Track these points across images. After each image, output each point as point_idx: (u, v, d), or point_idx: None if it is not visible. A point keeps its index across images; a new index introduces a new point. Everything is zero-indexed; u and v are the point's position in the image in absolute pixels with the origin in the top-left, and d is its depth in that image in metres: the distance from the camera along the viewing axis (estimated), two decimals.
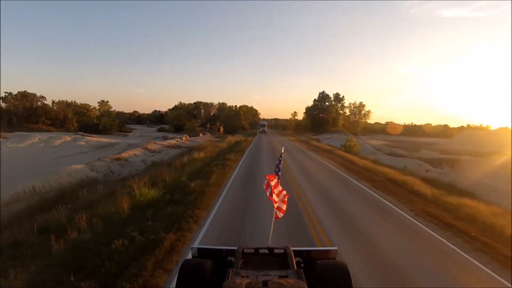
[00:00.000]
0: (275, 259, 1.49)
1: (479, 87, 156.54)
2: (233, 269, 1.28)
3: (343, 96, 65.81)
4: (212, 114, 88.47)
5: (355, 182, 11.95)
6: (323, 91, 64.38)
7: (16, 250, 5.42)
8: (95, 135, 40.97)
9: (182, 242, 5.41)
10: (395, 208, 8.43)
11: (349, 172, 14.13)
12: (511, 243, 5.97)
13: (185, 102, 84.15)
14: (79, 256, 4.76)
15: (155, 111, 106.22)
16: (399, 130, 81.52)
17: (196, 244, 2.51)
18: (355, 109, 74.94)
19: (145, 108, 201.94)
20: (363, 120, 76.04)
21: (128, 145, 31.84)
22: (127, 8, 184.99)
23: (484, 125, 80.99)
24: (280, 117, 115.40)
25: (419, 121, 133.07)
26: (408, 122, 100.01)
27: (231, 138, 33.98)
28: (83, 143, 34.16)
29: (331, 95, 65.15)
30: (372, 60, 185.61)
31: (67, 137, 37.91)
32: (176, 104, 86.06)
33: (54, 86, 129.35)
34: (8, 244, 5.70)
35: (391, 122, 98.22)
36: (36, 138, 37.06)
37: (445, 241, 6.15)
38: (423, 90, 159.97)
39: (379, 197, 9.54)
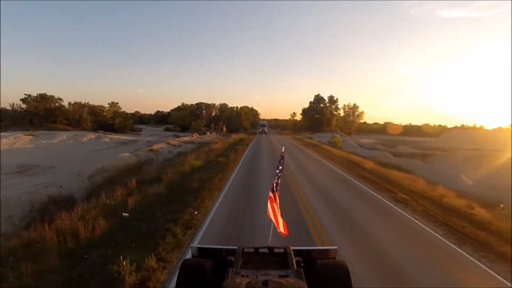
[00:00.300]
0: (275, 259, 1.50)
1: (479, 87, 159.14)
2: (233, 269, 1.28)
3: (337, 99, 71.46)
4: (213, 114, 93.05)
5: (324, 161, 17.54)
6: (318, 94, 70.03)
7: (140, 186, 10.90)
8: (113, 134, 46.53)
9: (224, 179, 10.99)
10: (341, 172, 13.98)
11: (323, 157, 19.72)
12: (403, 188, 11.51)
13: (186, 102, 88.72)
14: (172, 189, 10.12)
15: (158, 111, 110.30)
16: (398, 130, 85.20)
17: (196, 244, 2.68)
18: (349, 110, 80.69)
19: (145, 108, 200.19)
20: (356, 120, 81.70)
21: (147, 142, 37.18)
22: (126, 8, 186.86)
23: (479, 125, 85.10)
24: (279, 118, 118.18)
25: (419, 121, 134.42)
26: (408, 122, 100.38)
27: (235, 136, 39.61)
28: (107, 140, 39.60)
29: (326, 98, 70.76)
30: (372, 60, 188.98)
31: (91, 135, 43.35)
32: (179, 105, 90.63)
33: (54, 86, 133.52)
34: (133, 186, 11.16)
35: (390, 122, 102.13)
36: (63, 136, 42.48)
37: (363, 186, 11.64)
38: (423, 90, 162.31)
39: (335, 168, 15.10)
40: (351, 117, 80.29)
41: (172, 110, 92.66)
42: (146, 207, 7.29)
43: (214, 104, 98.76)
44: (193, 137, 38.37)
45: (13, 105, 60.38)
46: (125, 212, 6.76)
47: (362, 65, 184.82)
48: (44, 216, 8.41)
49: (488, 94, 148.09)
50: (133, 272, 4.04)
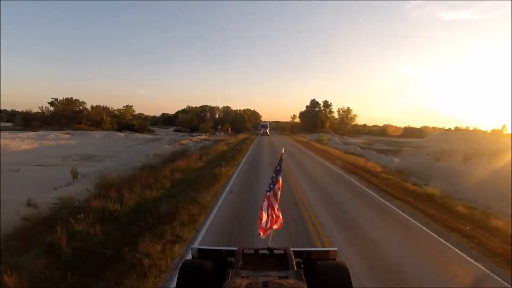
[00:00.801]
0: (275, 260, 1.53)
1: (479, 89, 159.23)
2: (233, 270, 1.30)
3: (330, 103, 79.91)
4: (216, 116, 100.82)
5: (305, 150, 25.93)
6: (314, 99, 78.58)
7: (201, 158, 19.26)
8: (138, 133, 55.05)
9: (243, 154, 19.44)
10: (312, 154, 22.34)
11: (306, 148, 28.12)
12: (346, 161, 19.80)
13: (187, 104, 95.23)
14: (218, 157, 18.43)
15: (163, 113, 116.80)
16: (398, 132, 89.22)
17: (196, 245, 2.59)
18: (343, 113, 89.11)
19: (147, 109, 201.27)
20: (350, 122, 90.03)
21: (170, 139, 45.56)
22: (125, 9, 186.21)
23: (474, 127, 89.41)
24: (281, 120, 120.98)
25: (422, 123, 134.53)
26: (408, 124, 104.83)
27: (241, 136, 47.96)
28: (135, 138, 48.09)
29: (321, 102, 79.20)
30: (373, 62, 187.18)
31: (121, 134, 51.83)
32: (185, 108, 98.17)
33: (54, 86, 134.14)
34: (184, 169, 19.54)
35: (389, 124, 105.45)
36: (97, 134, 50.96)
37: (322, 160, 19.93)
38: (424, 92, 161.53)
39: (309, 153, 23.53)
40: (345, 119, 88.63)
41: (178, 113, 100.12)
42: (212, 160, 15.77)
43: (218, 107, 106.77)
44: (207, 136, 46.83)
45: (42, 107, 69.14)
46: (202, 162, 15.14)
47: (364, 67, 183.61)
48: (154, 168, 16.71)
49: (488, 96, 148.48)
50: (223, 170, 12.42)
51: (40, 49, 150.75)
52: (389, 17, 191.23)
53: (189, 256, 1.68)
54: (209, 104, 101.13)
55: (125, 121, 67.29)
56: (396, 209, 8.85)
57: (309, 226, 6.81)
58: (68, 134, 49.92)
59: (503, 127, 58.55)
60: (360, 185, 12.32)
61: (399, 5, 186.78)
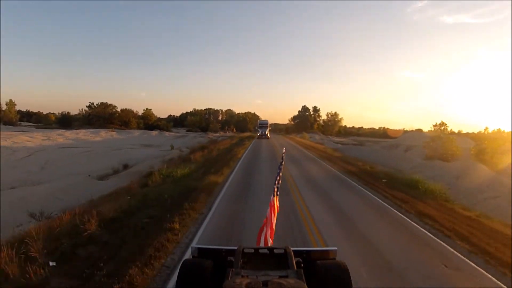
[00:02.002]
0: (275, 259, 1.53)
1: (479, 92, 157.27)
2: (233, 269, 1.31)
3: (319, 108, 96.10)
4: (220, 119, 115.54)
5: (288, 140, 42.11)
6: (304, 105, 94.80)
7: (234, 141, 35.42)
8: (167, 132, 71.04)
9: (251, 141, 35.62)
10: (291, 142, 38.41)
11: (290, 140, 44.36)
12: (309, 146, 35.97)
13: (186, 106, 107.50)
14: (239, 141, 34.29)
15: (170, 115, 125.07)
16: (397, 134, 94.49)
17: (195, 244, 2.58)
18: (331, 116, 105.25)
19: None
20: (337, 125, 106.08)
21: (194, 136, 61.54)
22: (125, 10, 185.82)
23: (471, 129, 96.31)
24: (280, 122, 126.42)
25: (420, 125, 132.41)
26: (408, 127, 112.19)
27: (245, 134, 64.04)
28: (167, 135, 63.95)
29: (311, 108, 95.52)
30: (374, 65, 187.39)
31: (154, 132, 67.64)
32: (191, 110, 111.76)
33: (54, 86, 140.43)
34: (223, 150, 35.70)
35: (384, 127, 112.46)
36: (136, 133, 66.67)
37: (296, 145, 36.03)
38: (425, 95, 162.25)
39: (291, 142, 39.55)
40: (332, 122, 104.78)
41: (187, 115, 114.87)
42: (236, 143, 31.95)
43: (222, 110, 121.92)
44: (221, 133, 63.03)
45: (82, 110, 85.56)
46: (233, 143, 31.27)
47: (364, 70, 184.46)
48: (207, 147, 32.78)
49: (489, 98, 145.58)
50: (247, 143, 28.61)
51: (40, 50, 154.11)
52: (390, 21, 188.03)
53: (188, 256, 1.73)
54: (209, 106, 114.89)
55: (151, 122, 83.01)
56: (322, 162, 24.80)
57: (277, 154, 22.74)
58: (114, 131, 65.36)
59: (485, 129, 66.25)
60: (308, 153, 28.21)
61: (400, 9, 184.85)
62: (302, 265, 1.51)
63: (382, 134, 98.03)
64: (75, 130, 62.41)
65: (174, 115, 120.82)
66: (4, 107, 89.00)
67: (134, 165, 19.83)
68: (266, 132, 45.03)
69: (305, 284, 1.14)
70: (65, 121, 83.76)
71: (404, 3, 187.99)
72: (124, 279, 4.43)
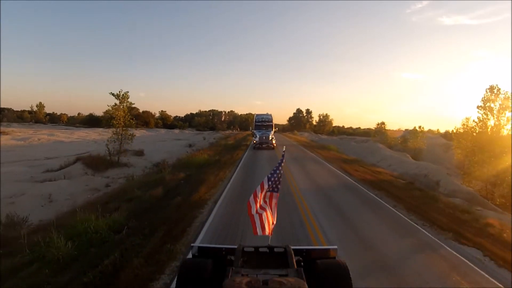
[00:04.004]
0: (275, 258, 1.54)
1: (478, 93, 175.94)
2: (233, 268, 1.33)
3: (311, 111, 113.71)
4: (222, 119, 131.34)
5: (280, 135, 59.51)
6: (299, 108, 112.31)
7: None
8: (186, 130, 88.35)
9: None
10: (283, 137, 55.86)
11: (282, 135, 61.80)
12: (296, 139, 53.45)
13: (186, 107, 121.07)
14: (244, 137, 51.58)
15: (176, 116, 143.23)
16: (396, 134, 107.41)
17: (196, 243, 2.53)
18: (323, 118, 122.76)
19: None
20: (328, 125, 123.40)
21: (208, 133, 78.75)
22: (124, 10, 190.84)
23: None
24: (279, 122, 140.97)
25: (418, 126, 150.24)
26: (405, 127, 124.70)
27: (248, 132, 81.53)
28: (187, 133, 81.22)
29: (304, 110, 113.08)
30: (373, 66, 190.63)
31: (176, 131, 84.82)
32: (197, 112, 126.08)
33: (54, 87, 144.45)
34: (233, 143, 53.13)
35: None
36: (162, 131, 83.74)
37: (286, 138, 53.47)
38: (423, 96, 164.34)
39: (283, 136, 57.00)
40: (323, 122, 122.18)
41: (192, 116, 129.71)
42: (246, 136, 49.47)
43: (225, 111, 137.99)
44: (230, 131, 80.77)
45: (108, 111, 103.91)
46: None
47: (363, 71, 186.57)
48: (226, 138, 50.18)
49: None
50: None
51: (40, 50, 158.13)
52: (389, 22, 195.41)
53: (189, 255, 1.73)
54: (208, 106, 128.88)
55: (170, 122, 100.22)
56: (294, 142, 42.19)
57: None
58: (144, 130, 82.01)
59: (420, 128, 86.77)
60: (290, 140, 45.54)
61: (399, 10, 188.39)
62: (302, 263, 1.53)
63: (375, 133, 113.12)
64: (107, 129, 78.82)
65: (179, 116, 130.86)
66: (35, 108, 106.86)
67: (196, 144, 37.02)
68: (270, 137, 27.71)
69: (305, 283, 1.14)
70: (92, 121, 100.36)
71: (403, 4, 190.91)
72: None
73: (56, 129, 68.82)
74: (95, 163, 17.61)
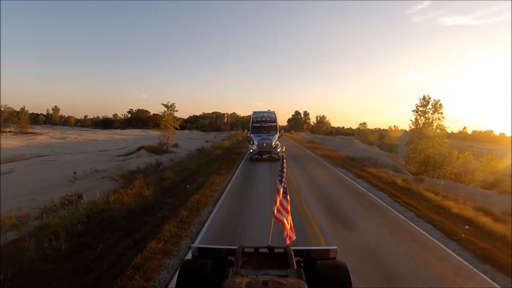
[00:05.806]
0: (275, 259, 1.55)
1: (479, 93, 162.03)
2: (233, 268, 1.33)
3: (308, 113, 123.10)
4: (225, 121, 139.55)
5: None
6: (297, 110, 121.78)
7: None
8: (196, 130, 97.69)
9: None
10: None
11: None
12: (293, 138, 62.77)
13: (187, 108, 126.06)
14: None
15: (180, 118, 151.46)
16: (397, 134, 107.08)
17: (196, 244, 2.59)
18: (320, 119, 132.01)
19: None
20: (324, 126, 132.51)
21: (215, 133, 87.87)
22: (125, 11, 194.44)
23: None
24: (280, 123, 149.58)
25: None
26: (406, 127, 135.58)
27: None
28: (196, 133, 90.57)
29: (302, 112, 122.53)
30: (374, 67, 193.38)
31: (186, 131, 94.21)
32: (201, 114, 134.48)
33: (54, 87, 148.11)
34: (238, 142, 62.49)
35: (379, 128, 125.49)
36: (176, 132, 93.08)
37: (285, 137, 62.93)
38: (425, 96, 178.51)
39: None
40: (321, 123, 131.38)
41: (195, 118, 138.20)
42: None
43: (227, 113, 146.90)
44: (234, 132, 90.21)
45: (124, 115, 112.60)
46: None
47: (364, 71, 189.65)
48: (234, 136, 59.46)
49: (490, 100, 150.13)
50: None
51: (40, 51, 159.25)
52: (389, 22, 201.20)
53: (189, 256, 1.70)
54: (210, 107, 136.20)
55: (180, 123, 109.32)
56: (297, 144, 51.43)
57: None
58: (158, 131, 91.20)
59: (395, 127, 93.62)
60: (291, 140, 54.69)
61: (400, 11, 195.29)
62: (302, 264, 1.52)
63: (358, 132, 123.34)
64: (126, 130, 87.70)
65: (182, 118, 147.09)
66: (50, 111, 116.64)
67: (212, 140, 46.32)
68: (273, 143, 19.77)
69: (305, 284, 1.15)
70: (106, 124, 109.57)
71: (404, 4, 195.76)
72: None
73: (75, 130, 77.98)
74: (154, 150, 26.89)
